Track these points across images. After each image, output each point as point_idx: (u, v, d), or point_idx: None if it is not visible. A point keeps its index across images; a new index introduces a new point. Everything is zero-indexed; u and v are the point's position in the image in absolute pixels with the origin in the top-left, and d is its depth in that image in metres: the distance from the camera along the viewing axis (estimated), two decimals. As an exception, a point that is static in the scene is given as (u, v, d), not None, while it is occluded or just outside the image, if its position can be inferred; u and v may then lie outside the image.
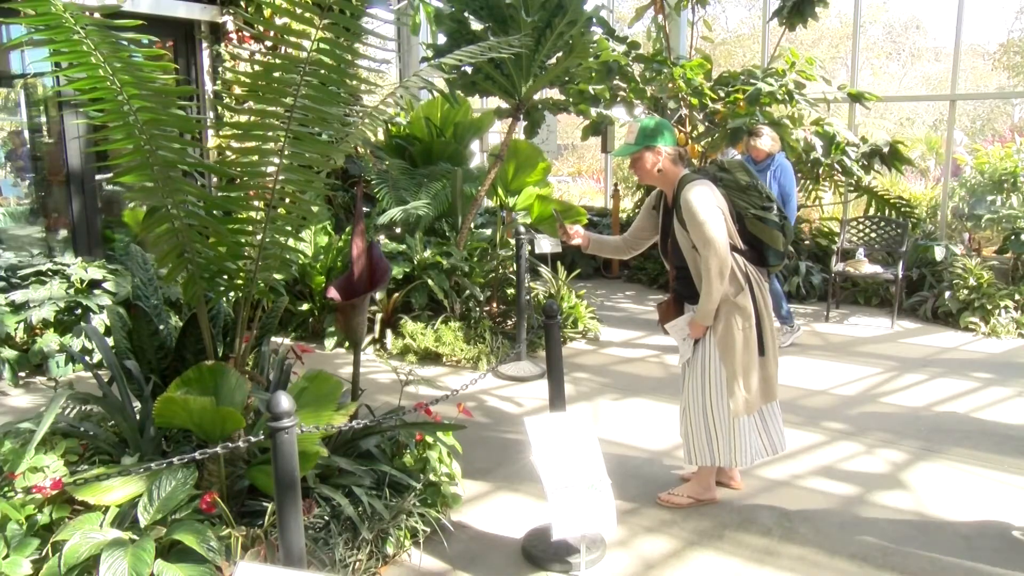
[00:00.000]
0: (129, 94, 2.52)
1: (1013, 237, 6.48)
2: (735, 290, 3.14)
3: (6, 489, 2.66)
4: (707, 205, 3.04)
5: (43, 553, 2.49)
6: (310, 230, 6.17)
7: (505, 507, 3.41)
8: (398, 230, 6.63)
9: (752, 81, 6.75)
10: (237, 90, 6.42)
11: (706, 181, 3.14)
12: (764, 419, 3.34)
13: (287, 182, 2.95)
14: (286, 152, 2.82)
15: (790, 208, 5.52)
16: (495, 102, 7.18)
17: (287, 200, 3.06)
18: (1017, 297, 6.21)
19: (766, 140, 5.67)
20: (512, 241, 5.94)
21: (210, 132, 6.37)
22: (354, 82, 3.04)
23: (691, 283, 3.21)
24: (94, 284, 5.41)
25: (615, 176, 10.22)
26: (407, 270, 6.02)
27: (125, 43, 2.49)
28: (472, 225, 6.64)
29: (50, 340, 5.05)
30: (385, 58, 4.00)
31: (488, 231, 7.05)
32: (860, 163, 6.84)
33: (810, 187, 7.26)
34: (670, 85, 6.76)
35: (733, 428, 3.22)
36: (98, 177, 6.34)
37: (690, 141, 7.26)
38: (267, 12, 6.57)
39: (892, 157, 6.81)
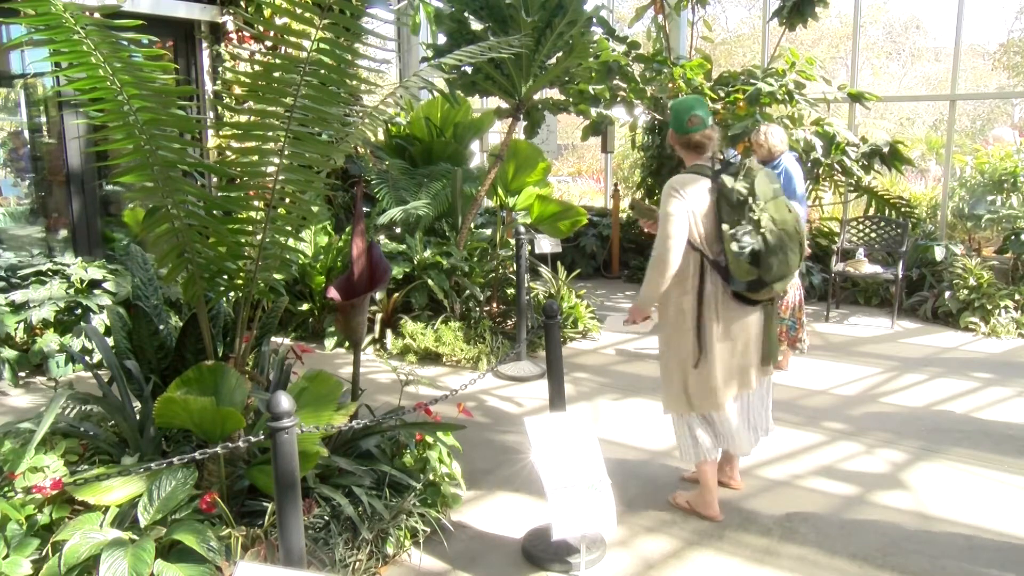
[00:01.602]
0: (129, 94, 2.52)
1: (1013, 237, 6.48)
2: (679, 292, 3.09)
3: (6, 489, 2.66)
4: (677, 200, 2.98)
5: (43, 553, 2.49)
6: (310, 230, 6.17)
7: (505, 507, 3.41)
8: (398, 230, 6.63)
9: (752, 81, 6.75)
10: (237, 90, 6.42)
11: (698, 177, 3.02)
12: (712, 425, 3.22)
13: (287, 182, 2.95)
14: (286, 152, 2.83)
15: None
16: (495, 102, 7.18)
17: (287, 200, 3.06)
18: (1017, 297, 6.21)
19: (772, 137, 5.07)
20: (512, 241, 5.94)
21: (210, 132, 6.37)
22: (354, 82, 3.04)
23: None
24: (94, 284, 5.41)
25: (615, 176, 10.23)
26: (407, 270, 6.02)
27: (125, 43, 2.49)
28: (472, 225, 6.64)
29: (50, 340, 5.05)
30: (385, 58, 3.99)
31: (488, 231, 7.05)
32: (860, 163, 6.84)
33: (810, 187, 7.26)
34: (670, 85, 6.76)
35: (690, 428, 3.22)
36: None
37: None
38: (267, 12, 6.57)
39: (892, 157, 6.80)
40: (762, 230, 2.90)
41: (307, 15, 2.66)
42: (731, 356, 3.12)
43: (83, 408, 3.45)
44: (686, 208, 2.98)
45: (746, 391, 3.22)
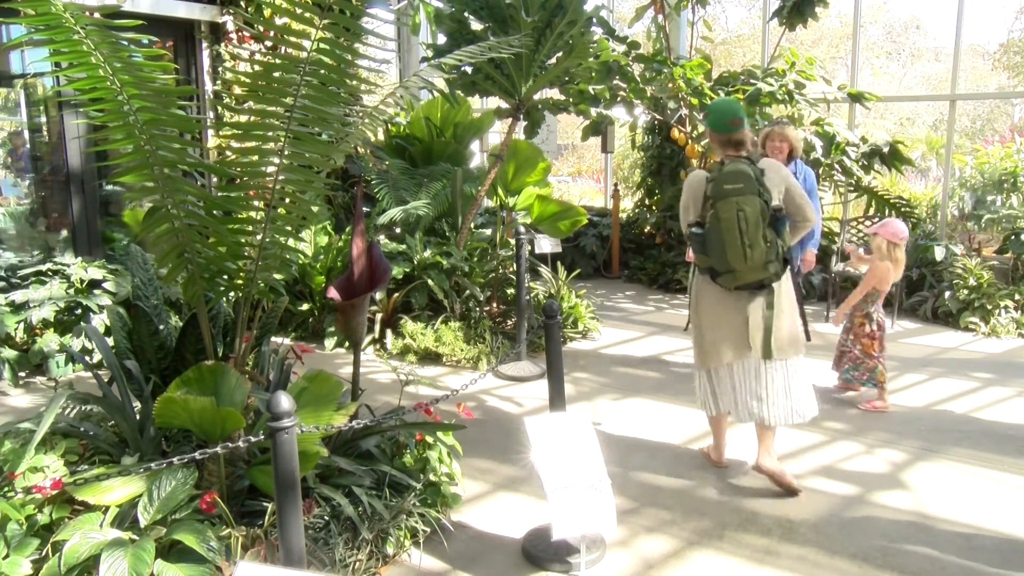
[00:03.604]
0: (129, 94, 2.52)
1: (1013, 237, 6.48)
2: (696, 267, 3.59)
3: (6, 489, 2.66)
4: (685, 193, 3.48)
5: (43, 553, 2.49)
6: (310, 230, 6.17)
7: (505, 507, 3.41)
8: (398, 230, 6.63)
9: (752, 81, 6.75)
10: (237, 90, 6.42)
11: (700, 172, 3.43)
12: (711, 382, 3.62)
13: (287, 182, 2.95)
14: (286, 152, 2.83)
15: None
16: (495, 102, 7.18)
17: (287, 200, 3.06)
18: (1017, 297, 6.21)
19: (795, 137, 4.74)
20: (512, 241, 5.94)
21: (210, 132, 6.37)
22: (354, 82, 3.04)
23: None
24: (94, 284, 5.41)
25: (615, 176, 10.23)
26: (407, 270, 6.02)
27: (125, 43, 2.49)
28: (472, 225, 6.64)
29: (50, 340, 5.05)
30: (385, 58, 4.00)
31: (488, 231, 7.05)
32: (860, 163, 6.84)
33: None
34: (670, 85, 6.77)
35: (697, 379, 3.70)
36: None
37: (690, 141, 7.27)
38: (267, 12, 6.57)
39: (892, 157, 6.80)
40: (707, 223, 3.32)
41: (307, 15, 2.66)
42: (716, 329, 3.50)
43: (83, 408, 3.45)
44: (688, 194, 3.45)
45: (743, 364, 3.49)
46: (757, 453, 3.57)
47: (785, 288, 3.44)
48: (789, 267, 3.46)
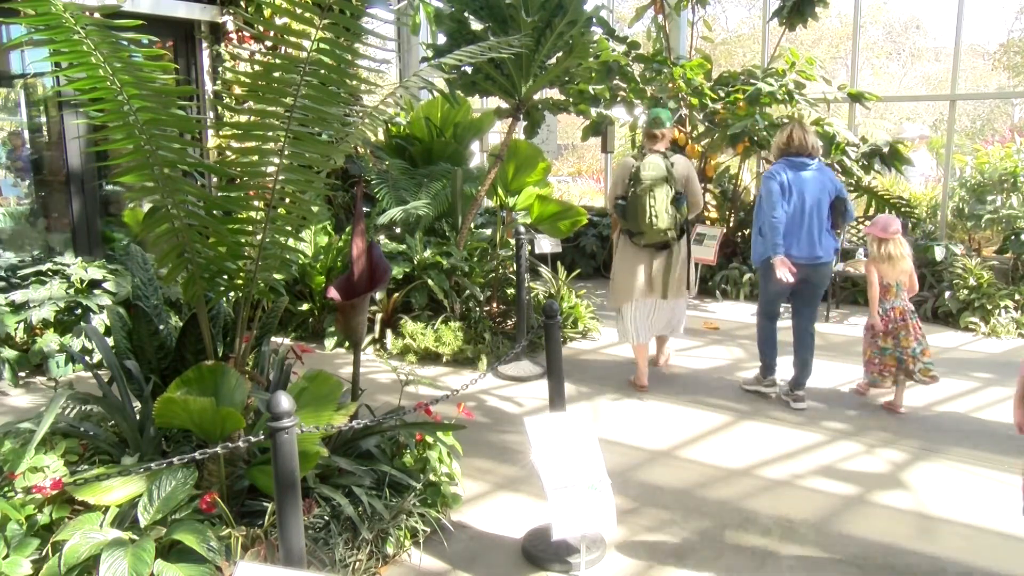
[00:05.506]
0: (129, 94, 2.52)
1: (1013, 237, 6.48)
2: (618, 230, 4.89)
3: (6, 489, 2.66)
4: (615, 173, 4.77)
5: (43, 553, 2.49)
6: (310, 230, 6.17)
7: (505, 507, 3.41)
8: (398, 230, 6.63)
9: (752, 81, 6.75)
10: (237, 90, 6.42)
11: (629, 159, 4.71)
12: (624, 315, 4.90)
13: (287, 182, 2.96)
14: (286, 152, 2.83)
15: (763, 237, 4.48)
16: (495, 102, 7.18)
17: (287, 200, 3.06)
18: (1017, 297, 6.21)
19: (779, 137, 4.53)
20: (512, 241, 5.94)
21: (210, 132, 6.37)
22: (354, 82, 3.04)
23: None
24: (94, 284, 5.41)
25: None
26: (407, 270, 6.02)
27: (125, 43, 2.49)
28: (472, 225, 6.64)
29: (50, 340, 5.05)
30: (385, 58, 4.00)
31: (488, 231, 7.05)
32: (860, 163, 6.84)
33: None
34: (670, 85, 6.77)
35: (621, 314, 4.95)
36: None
37: (690, 141, 7.26)
38: (267, 12, 6.58)
39: (892, 157, 6.80)
40: (627, 198, 4.59)
41: (307, 15, 2.66)
42: (632, 277, 4.75)
43: (83, 408, 3.45)
44: (618, 175, 4.72)
45: (646, 301, 4.79)
46: (656, 354, 5.23)
47: (681, 249, 4.72)
48: (687, 235, 4.75)
